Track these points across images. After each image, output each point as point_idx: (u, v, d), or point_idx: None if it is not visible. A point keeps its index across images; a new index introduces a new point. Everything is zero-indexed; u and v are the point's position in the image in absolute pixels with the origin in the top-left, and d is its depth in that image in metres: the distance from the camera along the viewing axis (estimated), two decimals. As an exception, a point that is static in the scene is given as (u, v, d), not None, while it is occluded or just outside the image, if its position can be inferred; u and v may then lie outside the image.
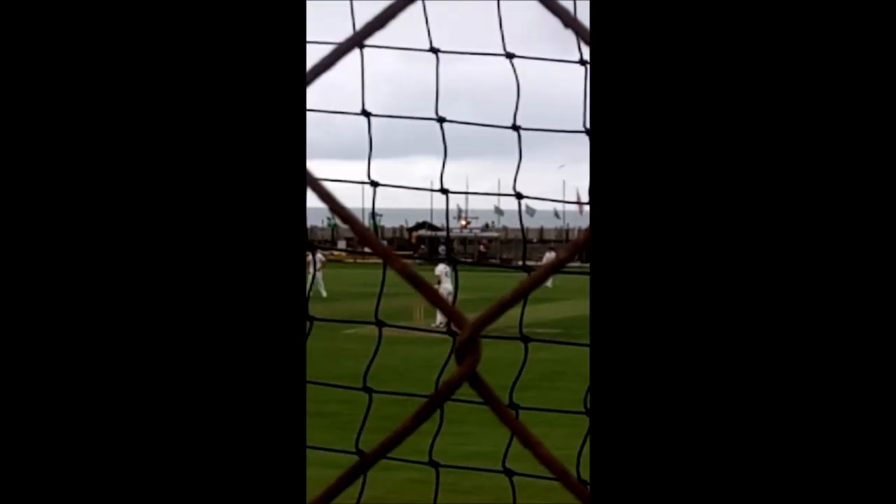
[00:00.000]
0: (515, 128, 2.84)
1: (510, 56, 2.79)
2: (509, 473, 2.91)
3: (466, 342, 0.66)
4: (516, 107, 2.80)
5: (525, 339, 2.96)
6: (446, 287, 20.93)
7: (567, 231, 53.10)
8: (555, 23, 0.72)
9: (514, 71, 2.80)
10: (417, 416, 0.66)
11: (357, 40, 0.72)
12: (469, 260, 43.02)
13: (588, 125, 2.37)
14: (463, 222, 45.69)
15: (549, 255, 31.78)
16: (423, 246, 47.76)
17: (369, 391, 2.93)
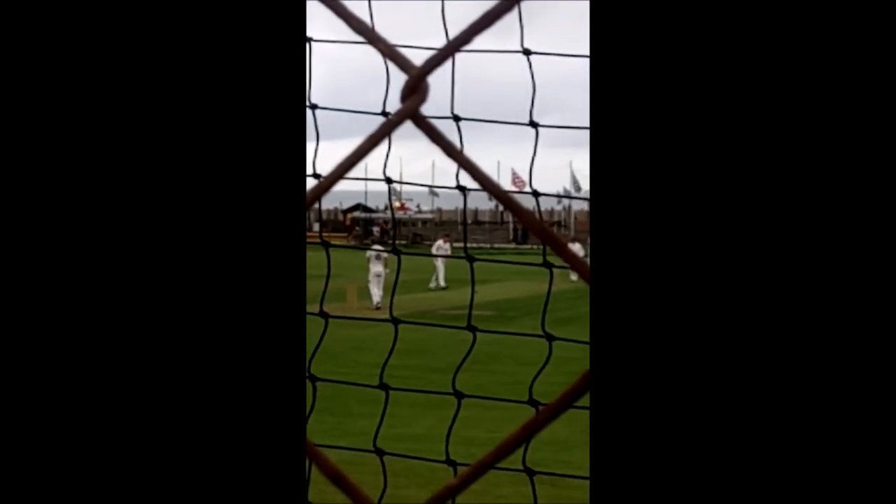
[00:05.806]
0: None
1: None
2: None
3: (413, 83, 0.68)
4: (452, 96, 2.79)
5: (472, 329, 2.94)
6: (375, 269, 20.84)
7: (501, 212, 51.49)
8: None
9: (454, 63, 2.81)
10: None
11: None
12: (404, 242, 42.45)
13: (531, 109, 2.70)
14: (398, 204, 44.27)
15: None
16: (357, 228, 47.75)
17: (313, 379, 2.84)
